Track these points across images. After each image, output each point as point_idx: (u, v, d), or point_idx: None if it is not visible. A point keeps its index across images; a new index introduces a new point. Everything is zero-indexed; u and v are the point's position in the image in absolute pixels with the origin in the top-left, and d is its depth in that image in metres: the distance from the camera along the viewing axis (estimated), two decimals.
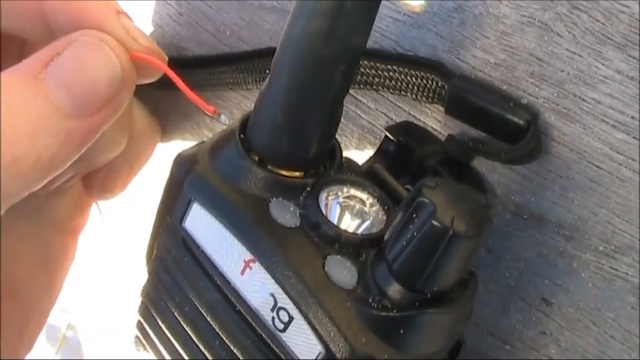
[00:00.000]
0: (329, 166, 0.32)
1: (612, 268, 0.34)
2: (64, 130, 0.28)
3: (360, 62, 0.36)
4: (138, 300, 0.34)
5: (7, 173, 0.26)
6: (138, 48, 0.31)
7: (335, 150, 0.32)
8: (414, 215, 0.27)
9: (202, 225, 0.30)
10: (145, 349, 0.35)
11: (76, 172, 0.36)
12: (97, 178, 0.38)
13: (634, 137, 0.32)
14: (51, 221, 0.38)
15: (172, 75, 0.31)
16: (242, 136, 0.31)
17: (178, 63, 0.38)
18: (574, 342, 0.36)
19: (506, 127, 0.34)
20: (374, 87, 0.37)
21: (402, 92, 0.36)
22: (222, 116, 0.33)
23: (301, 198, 0.30)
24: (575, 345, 0.36)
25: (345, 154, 0.34)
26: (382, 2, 0.29)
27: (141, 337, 0.35)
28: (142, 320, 0.34)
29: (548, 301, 0.36)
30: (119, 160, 0.37)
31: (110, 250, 0.59)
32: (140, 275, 0.34)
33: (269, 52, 0.40)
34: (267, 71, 0.40)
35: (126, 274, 0.57)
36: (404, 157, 0.35)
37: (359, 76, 0.37)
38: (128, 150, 0.37)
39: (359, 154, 0.40)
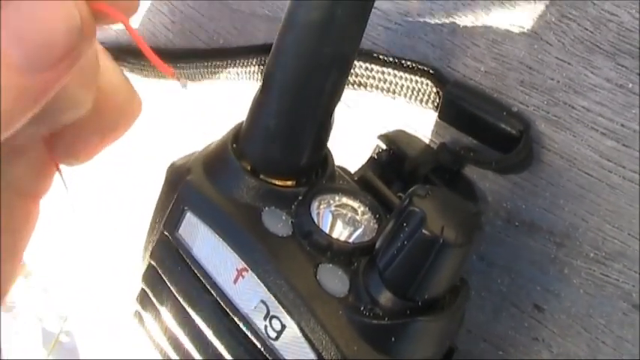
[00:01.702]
0: (321, 175, 0.32)
1: (603, 274, 0.34)
2: (17, 85, 0.26)
3: (355, 63, 0.37)
4: (133, 307, 0.34)
5: None
6: None
7: (327, 158, 0.32)
8: (405, 224, 0.27)
9: (196, 234, 0.30)
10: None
11: (37, 131, 0.34)
12: (62, 140, 0.35)
13: (623, 145, 0.33)
14: (11, 183, 0.35)
15: (133, 33, 0.28)
16: (234, 145, 0.31)
17: (171, 55, 0.38)
18: (566, 348, 0.36)
19: (498, 135, 0.34)
20: (367, 88, 0.37)
21: (395, 94, 0.37)
22: (185, 83, 0.31)
23: (293, 207, 0.30)
24: (566, 351, 0.36)
25: (338, 162, 0.34)
26: (373, 11, 0.29)
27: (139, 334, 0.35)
28: (137, 327, 0.34)
29: (540, 308, 0.36)
30: (90, 126, 0.34)
31: (106, 256, 0.59)
32: (136, 282, 0.34)
33: (262, 49, 0.40)
34: (260, 66, 0.41)
35: (122, 281, 0.58)
36: (396, 165, 0.35)
37: (354, 77, 0.37)
38: (101, 118, 0.34)
39: (351, 162, 0.40)
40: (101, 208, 0.51)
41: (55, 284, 0.67)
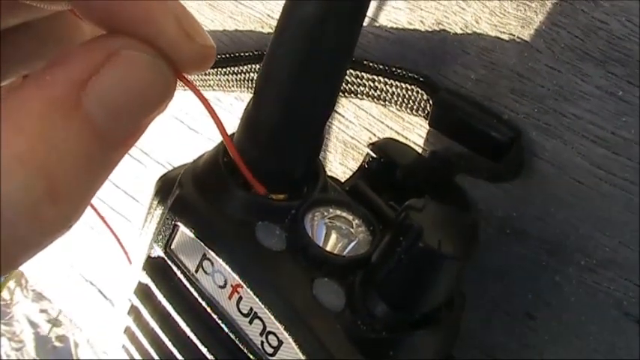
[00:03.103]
0: (313, 187, 0.31)
1: (595, 282, 0.34)
2: (111, 161, 0.23)
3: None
4: (125, 322, 0.33)
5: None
6: (192, 49, 0.24)
7: (318, 170, 0.32)
8: (401, 238, 0.27)
9: (189, 249, 0.29)
10: None
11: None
12: None
13: (614, 152, 0.33)
14: None
15: (216, 118, 0.26)
16: (225, 159, 0.30)
17: None
18: (558, 355, 0.36)
19: (489, 143, 0.34)
20: (358, 96, 0.37)
21: (386, 102, 0.36)
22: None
23: (287, 221, 0.30)
24: (558, 358, 0.36)
25: (328, 168, 0.34)
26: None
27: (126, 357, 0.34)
28: (129, 343, 0.34)
29: (532, 315, 0.36)
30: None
31: (101, 265, 0.59)
32: (128, 295, 0.34)
33: (253, 57, 0.40)
34: (251, 74, 0.40)
35: (114, 291, 0.57)
36: (387, 173, 0.35)
37: (344, 85, 0.37)
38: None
39: (342, 169, 0.40)
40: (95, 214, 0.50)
41: (49, 289, 0.67)
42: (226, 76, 0.40)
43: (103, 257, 0.57)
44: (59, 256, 0.61)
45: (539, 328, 0.36)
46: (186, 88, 0.26)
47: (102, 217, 0.35)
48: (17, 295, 1.34)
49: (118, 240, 0.35)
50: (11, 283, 1.37)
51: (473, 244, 0.28)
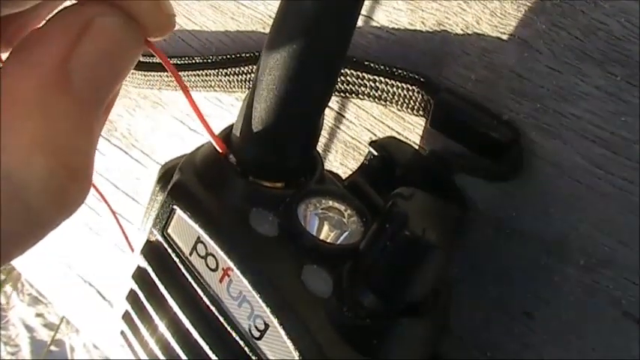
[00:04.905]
0: (309, 178, 0.32)
1: (594, 281, 0.34)
2: (101, 124, 0.24)
3: (347, 71, 0.37)
4: (124, 307, 0.34)
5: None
6: (158, 16, 0.25)
7: (316, 162, 0.33)
8: (387, 225, 0.27)
9: (184, 232, 0.30)
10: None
11: None
12: None
13: (613, 152, 0.33)
14: None
15: (188, 95, 0.28)
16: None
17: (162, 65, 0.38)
18: (556, 355, 0.36)
19: (489, 143, 0.34)
20: (359, 96, 0.38)
21: (387, 103, 0.37)
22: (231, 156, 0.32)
23: (280, 208, 0.30)
24: (557, 357, 0.36)
25: (329, 169, 0.34)
26: (364, 20, 0.30)
27: (124, 344, 0.35)
28: (126, 328, 0.34)
29: (531, 315, 0.36)
30: None
31: (99, 266, 0.60)
32: (125, 285, 0.35)
33: (254, 57, 0.41)
34: (252, 74, 0.41)
35: (111, 287, 0.58)
36: (387, 171, 0.35)
37: (345, 85, 0.38)
38: None
39: (343, 170, 0.41)
40: (94, 210, 0.51)
41: (48, 291, 0.68)
42: (227, 77, 0.42)
43: (102, 258, 0.58)
44: (57, 257, 0.62)
45: (538, 328, 0.36)
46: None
47: (106, 200, 0.37)
48: (13, 299, 1.36)
49: (121, 227, 0.37)
50: (8, 287, 1.39)
51: (458, 234, 0.28)
